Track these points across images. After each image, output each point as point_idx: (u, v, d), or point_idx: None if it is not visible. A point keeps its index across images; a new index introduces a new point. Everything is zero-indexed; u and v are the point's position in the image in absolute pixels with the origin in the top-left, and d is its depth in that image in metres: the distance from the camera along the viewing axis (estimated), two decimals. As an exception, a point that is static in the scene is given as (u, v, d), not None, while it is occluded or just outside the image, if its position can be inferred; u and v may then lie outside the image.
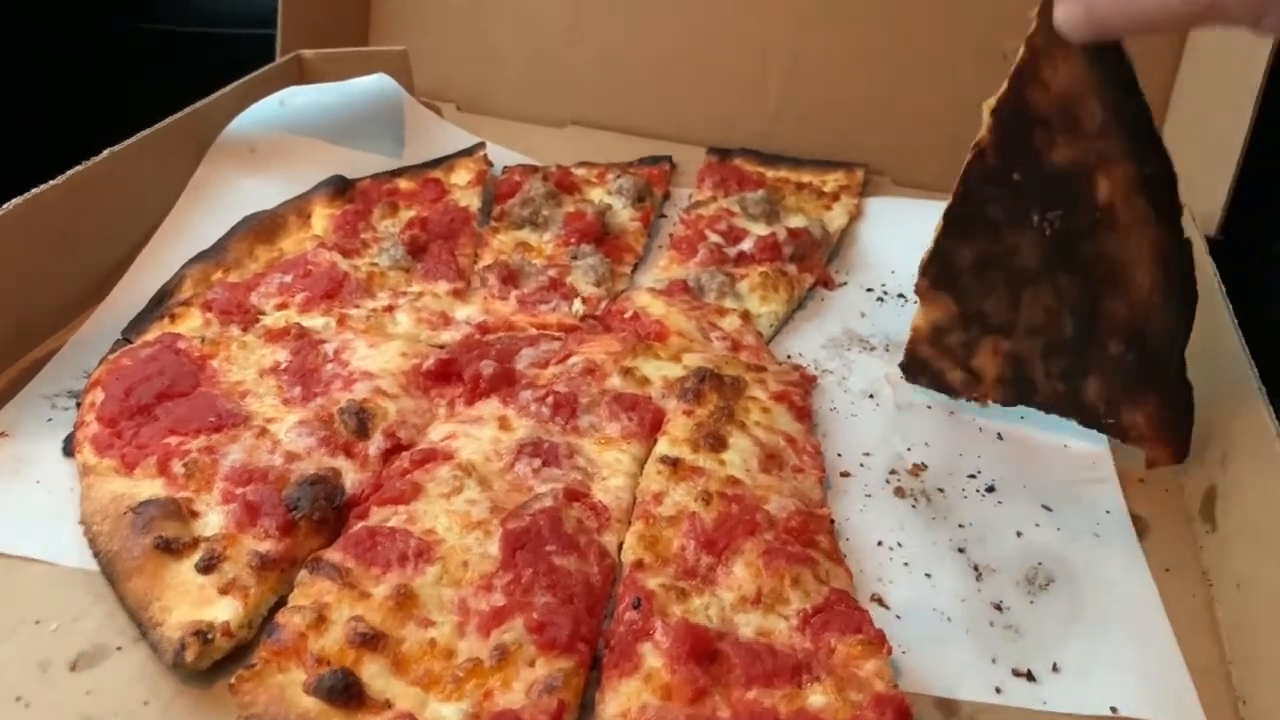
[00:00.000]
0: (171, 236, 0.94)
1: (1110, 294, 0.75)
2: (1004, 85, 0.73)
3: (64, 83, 1.58)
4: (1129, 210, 0.72)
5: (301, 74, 1.14)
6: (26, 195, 0.81)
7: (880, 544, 0.73)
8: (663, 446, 0.76)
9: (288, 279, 0.89)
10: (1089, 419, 0.80)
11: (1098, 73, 0.70)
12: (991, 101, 0.75)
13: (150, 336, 0.82)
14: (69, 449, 0.73)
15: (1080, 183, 0.73)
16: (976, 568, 0.72)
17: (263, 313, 0.87)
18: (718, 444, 0.76)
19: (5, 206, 0.79)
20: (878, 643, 0.61)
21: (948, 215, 0.80)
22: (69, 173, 0.85)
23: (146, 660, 0.60)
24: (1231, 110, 1.01)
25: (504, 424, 0.77)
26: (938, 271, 0.82)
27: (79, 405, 0.76)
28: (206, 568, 0.62)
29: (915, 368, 0.86)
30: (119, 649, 0.61)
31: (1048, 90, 0.72)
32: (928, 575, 0.71)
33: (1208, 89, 1.07)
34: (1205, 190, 1.01)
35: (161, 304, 0.86)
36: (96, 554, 0.65)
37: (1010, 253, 0.78)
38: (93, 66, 1.60)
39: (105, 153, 0.89)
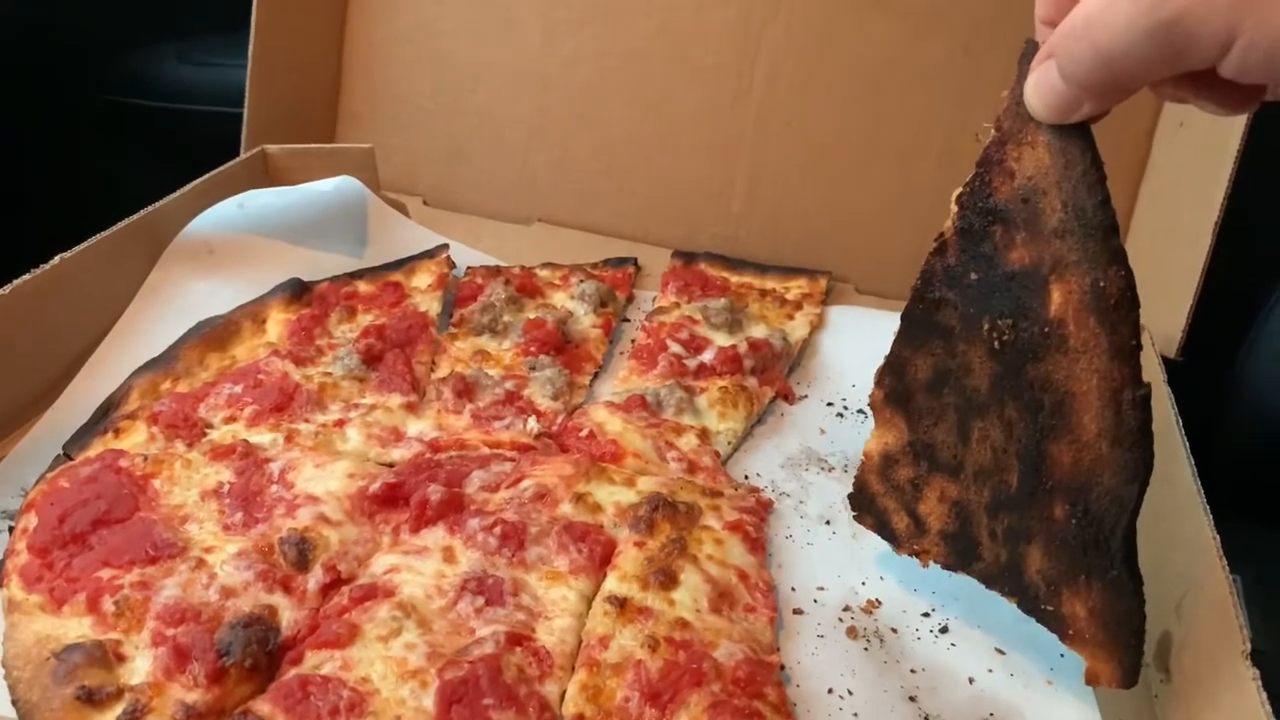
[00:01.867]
0: (121, 343, 0.92)
1: (1056, 435, 0.66)
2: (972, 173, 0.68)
3: (30, 154, 1.58)
4: (1080, 330, 0.64)
5: (266, 169, 1.14)
6: (-30, 306, 0.80)
7: (830, 691, 0.71)
8: (611, 583, 0.74)
9: (238, 389, 0.88)
10: (1028, 603, 0.71)
11: (1062, 163, 0.63)
12: (959, 190, 0.69)
13: (92, 453, 0.80)
14: (-2, 578, 0.71)
15: (1032, 289, 0.66)
16: (927, 718, 0.70)
17: (210, 426, 0.85)
18: (668, 581, 0.74)
19: (-54, 320, 0.78)
20: (822, 811, 0.60)
21: (905, 317, 0.74)
22: (16, 281, 0.84)
23: (61, 822, 0.58)
24: (1192, 230, 1.02)
25: (449, 555, 0.75)
26: (893, 383, 0.76)
27: (11, 530, 0.74)
28: (129, 721, 0.60)
29: (863, 503, 0.80)
30: (32, 809, 0.58)
31: (1012, 179, 0.66)
32: (877, 728, 0.69)
33: (1168, 208, 1.08)
34: (1165, 311, 1.01)
35: (106, 416, 0.84)
36: (15, 701, 0.62)
37: (963, 371, 0.71)
38: (61, 140, 1.60)
39: (56, 259, 0.87)
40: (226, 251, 1.01)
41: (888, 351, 0.77)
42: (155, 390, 0.88)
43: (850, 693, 0.71)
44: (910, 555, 0.78)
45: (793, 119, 1.18)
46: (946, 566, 0.76)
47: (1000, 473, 0.71)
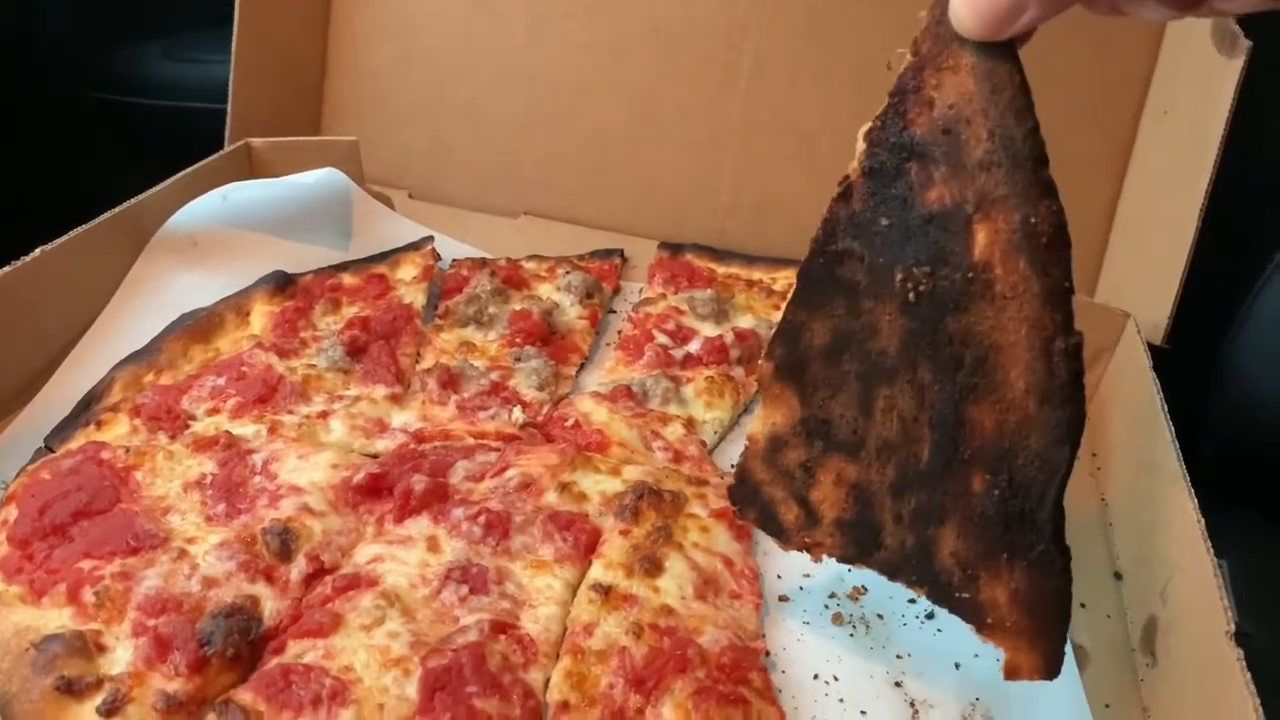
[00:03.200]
0: (104, 335, 0.92)
1: (977, 396, 0.59)
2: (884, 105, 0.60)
3: (14, 152, 1.57)
4: (1009, 274, 0.57)
5: (250, 162, 1.13)
6: (-51, 299, 0.79)
7: (816, 677, 0.71)
8: (596, 571, 0.74)
9: (221, 382, 0.87)
10: (939, 592, 0.64)
11: (988, 87, 0.56)
12: (868, 125, 0.61)
13: (74, 445, 0.80)
14: (-23, 570, 0.71)
15: (954, 232, 0.58)
16: (913, 704, 0.70)
17: (193, 418, 0.85)
18: (653, 569, 0.74)
19: (-75, 312, 0.77)
20: (806, 795, 0.60)
21: (802, 276, 0.66)
22: (-5, 274, 0.83)
23: (40, 813, 0.57)
24: (1176, 218, 1.02)
25: (433, 545, 0.74)
26: (784, 353, 0.67)
27: (-8, 522, 0.74)
28: (109, 711, 0.60)
29: (745, 495, 0.72)
30: (11, 800, 0.58)
31: (930, 108, 0.59)
32: (863, 713, 0.69)
33: (1152, 196, 1.08)
34: (1151, 299, 1.01)
35: (88, 409, 0.84)
36: (-5, 693, 0.62)
37: (868, 332, 0.63)
38: (48, 137, 1.60)
39: (37, 250, 0.87)
40: (210, 244, 1.01)
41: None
42: (138, 382, 0.87)
43: (836, 678, 0.71)
44: (800, 550, 0.70)
45: (779, 110, 1.18)
46: (843, 559, 0.69)
47: (909, 445, 0.64)
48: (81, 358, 0.89)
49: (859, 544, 0.68)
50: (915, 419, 0.63)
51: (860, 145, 0.62)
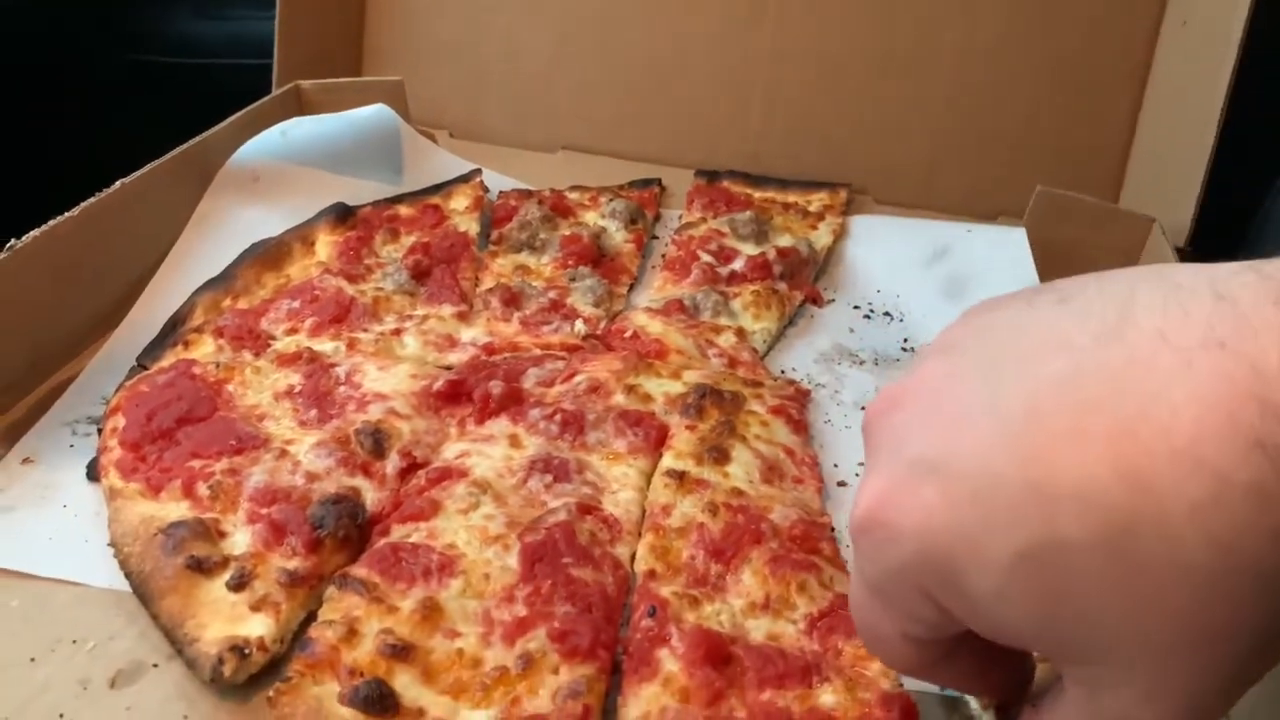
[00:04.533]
0: (180, 265, 0.96)
1: None
2: None
3: (55, 117, 1.61)
4: None
5: (300, 104, 1.17)
6: (42, 228, 0.83)
7: (879, 550, 0.76)
8: (668, 460, 0.79)
9: (296, 305, 0.92)
10: None
11: None
12: None
13: (165, 363, 0.85)
14: (93, 474, 0.75)
15: None
16: (971, 570, 0.75)
17: (273, 338, 0.89)
18: (721, 457, 0.79)
19: (22, 240, 0.81)
20: (882, 643, 0.65)
21: None
22: (82, 205, 0.87)
23: (182, 677, 0.62)
24: (1197, 124, 1.06)
25: (514, 442, 0.79)
26: None
27: (100, 431, 0.78)
28: (237, 585, 0.65)
29: None
30: (155, 666, 0.63)
31: None
32: (922, 581, 0.74)
33: (1173, 104, 1.12)
34: (1174, 203, 1.06)
35: (174, 331, 0.88)
36: (128, 574, 0.67)
37: None
38: (84, 100, 1.63)
39: (116, 184, 0.91)
40: (270, 180, 1.05)
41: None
42: (217, 307, 0.92)
43: (897, 550, 0.76)
44: None
45: (807, 36, 1.21)
46: None
47: None
48: (162, 284, 0.94)
49: None
50: None
51: None
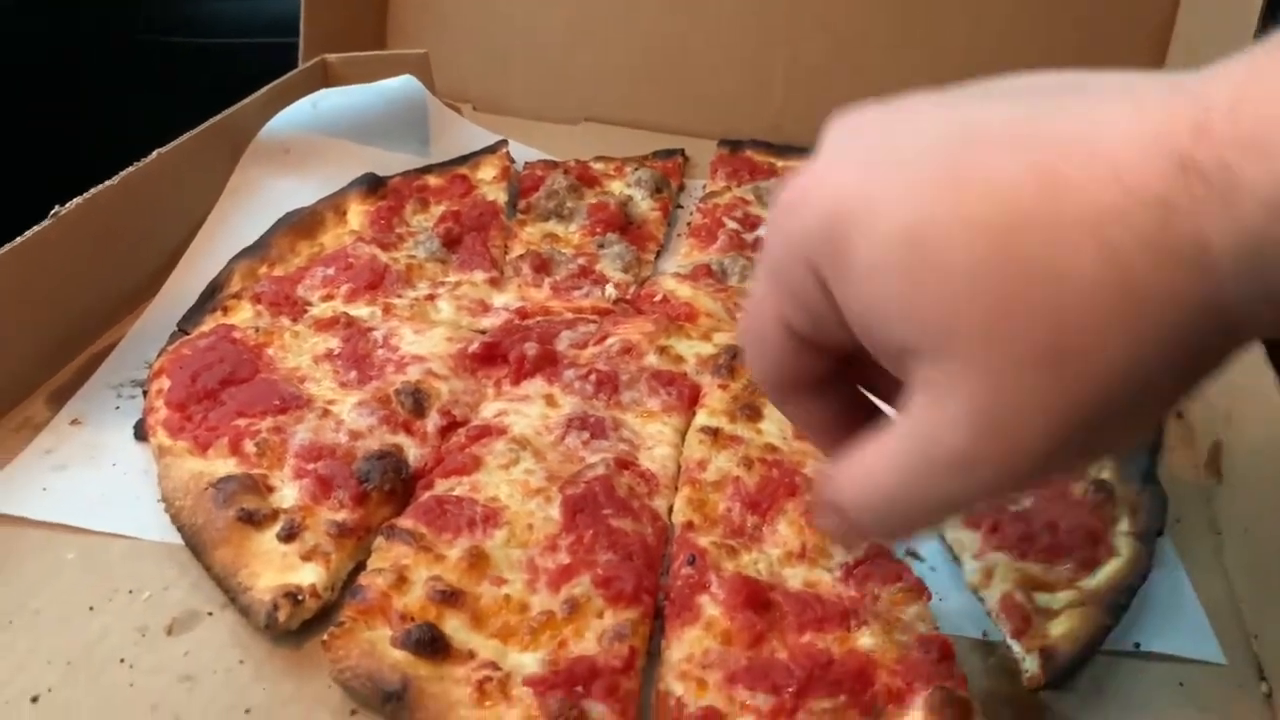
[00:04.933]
0: (215, 234, 0.97)
1: None
2: None
3: (78, 96, 1.62)
4: None
5: (326, 78, 1.18)
6: (84, 196, 0.85)
7: (910, 503, 0.77)
8: (702, 418, 0.80)
9: (331, 272, 0.93)
10: None
11: None
12: None
13: (205, 328, 0.86)
14: (140, 434, 0.77)
15: None
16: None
17: (310, 304, 0.91)
18: (753, 415, 0.80)
19: (66, 206, 0.83)
20: (918, 589, 0.66)
21: None
22: (121, 174, 0.89)
23: (236, 624, 0.64)
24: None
25: (550, 401, 0.81)
26: None
27: (145, 393, 0.80)
28: (288, 536, 0.66)
29: None
30: (210, 614, 0.65)
31: None
32: (940, 536, 0.75)
33: (1195, 65, 1.12)
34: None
35: (213, 297, 0.90)
36: (180, 528, 0.68)
37: None
38: (108, 80, 1.64)
39: (154, 153, 0.93)
40: (302, 152, 1.06)
41: None
42: (254, 274, 0.93)
43: (929, 503, 0.77)
44: None
45: (826, 7, 1.22)
46: None
47: None
48: (198, 253, 0.95)
49: None
50: None
51: None
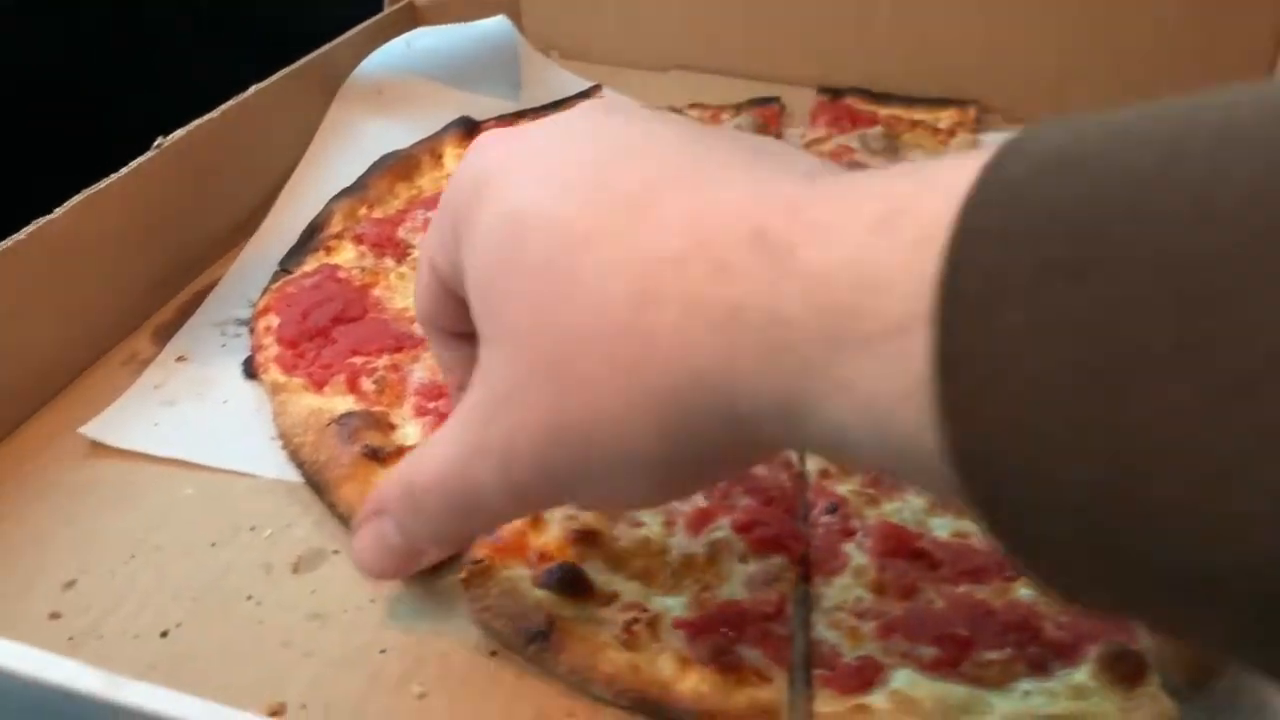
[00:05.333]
0: (311, 174, 0.95)
1: None
2: None
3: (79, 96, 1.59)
4: None
5: (414, 20, 1.15)
6: (185, 129, 0.82)
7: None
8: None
9: (431, 215, 0.90)
10: None
11: None
12: None
13: (309, 267, 0.84)
14: (249, 371, 0.75)
15: None
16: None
17: (412, 246, 0.88)
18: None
19: (169, 138, 0.80)
20: (1075, 541, 0.62)
21: None
22: (221, 107, 0.86)
23: (363, 563, 0.61)
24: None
25: (668, 345, 0.78)
26: None
27: (251, 331, 0.78)
28: (414, 475, 0.64)
29: None
30: (335, 553, 0.62)
31: None
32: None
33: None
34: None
35: (314, 237, 0.87)
36: (301, 464, 0.66)
37: None
38: (108, 80, 1.62)
39: (251, 89, 0.90)
40: (394, 94, 1.04)
41: None
42: (354, 214, 0.90)
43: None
44: None
45: (933, -49, 1.17)
46: None
47: None
48: (294, 193, 0.93)
49: None
50: None
51: None
